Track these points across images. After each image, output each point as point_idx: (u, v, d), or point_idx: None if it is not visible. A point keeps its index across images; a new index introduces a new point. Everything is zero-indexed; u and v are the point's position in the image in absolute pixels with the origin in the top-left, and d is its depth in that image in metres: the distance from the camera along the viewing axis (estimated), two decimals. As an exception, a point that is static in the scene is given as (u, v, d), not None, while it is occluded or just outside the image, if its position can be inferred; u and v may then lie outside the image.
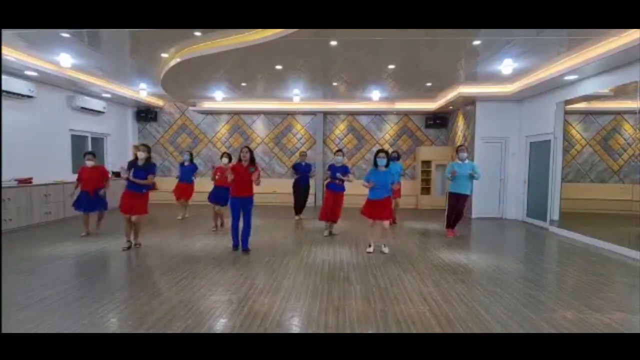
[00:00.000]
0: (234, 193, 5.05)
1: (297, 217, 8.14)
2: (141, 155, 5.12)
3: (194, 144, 11.17)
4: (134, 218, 5.10)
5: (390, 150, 8.12)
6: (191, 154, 8.07)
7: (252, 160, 5.04)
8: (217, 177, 6.38)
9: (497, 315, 3.09)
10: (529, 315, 3.10)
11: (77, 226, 7.01)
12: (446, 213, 6.49)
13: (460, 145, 6.41)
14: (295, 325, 2.92)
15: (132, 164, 5.13)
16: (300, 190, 8.08)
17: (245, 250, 5.09)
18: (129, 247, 5.22)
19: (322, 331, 2.79)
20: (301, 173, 7.90)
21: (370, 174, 5.26)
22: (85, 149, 9.18)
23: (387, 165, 5.20)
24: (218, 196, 6.45)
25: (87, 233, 6.14)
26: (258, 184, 4.99)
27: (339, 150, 6.56)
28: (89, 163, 6.17)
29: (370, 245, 5.25)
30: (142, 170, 5.07)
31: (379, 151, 5.28)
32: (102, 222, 6.41)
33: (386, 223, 5.18)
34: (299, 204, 8.18)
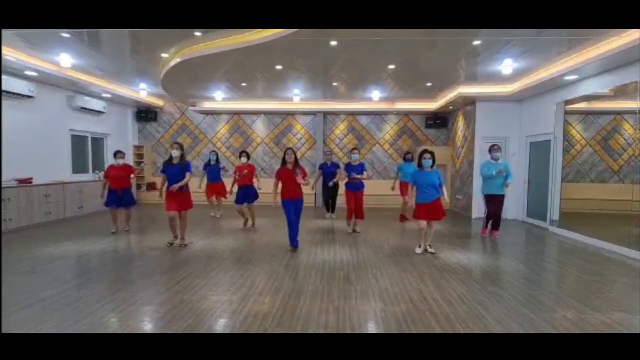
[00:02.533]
0: (285, 196, 5.13)
1: (327, 216, 8.42)
2: (175, 153, 5.21)
3: (194, 144, 11.17)
4: (182, 213, 5.29)
5: (406, 151, 8.32)
6: (217, 154, 8.16)
7: (296, 161, 5.16)
8: (237, 176, 6.64)
9: (497, 315, 3.09)
10: (529, 315, 3.10)
11: (78, 226, 7.03)
12: (485, 215, 6.48)
13: (494, 145, 6.22)
14: (295, 325, 2.92)
15: (167, 163, 5.25)
16: (330, 190, 8.20)
17: (295, 247, 5.29)
18: (171, 244, 5.40)
19: (322, 331, 2.79)
20: (327, 174, 7.97)
21: (415, 176, 5.15)
22: (85, 149, 9.22)
23: (432, 166, 5.05)
24: (245, 195, 6.65)
25: (116, 229, 6.31)
26: (307, 183, 5.15)
27: (354, 148, 6.64)
28: (120, 161, 6.33)
29: (420, 247, 5.22)
30: (178, 169, 5.19)
31: (423, 151, 5.11)
32: (130, 220, 6.60)
33: (435, 223, 5.20)
34: (331, 204, 8.45)
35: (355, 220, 6.59)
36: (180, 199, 5.21)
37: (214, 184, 7.91)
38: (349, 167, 6.43)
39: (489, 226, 6.36)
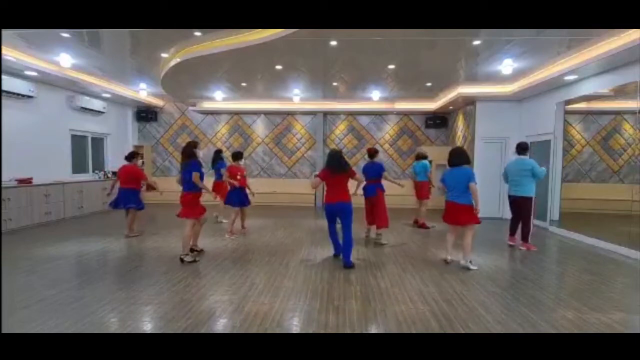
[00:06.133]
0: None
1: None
2: (200, 153, 4.81)
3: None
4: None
5: (420, 151, 7.76)
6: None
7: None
8: (238, 178, 6.13)
9: (497, 315, 3.09)
10: (529, 315, 3.10)
11: (78, 226, 7.03)
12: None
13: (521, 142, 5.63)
14: (295, 325, 2.91)
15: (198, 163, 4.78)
16: None
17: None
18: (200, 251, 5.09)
19: (322, 331, 2.79)
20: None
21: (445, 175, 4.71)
22: (86, 149, 9.22)
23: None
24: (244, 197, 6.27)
25: (127, 235, 6.05)
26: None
27: (373, 149, 6.07)
28: (135, 162, 6.27)
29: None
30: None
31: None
32: (135, 223, 6.20)
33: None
34: None
35: (370, 226, 6.01)
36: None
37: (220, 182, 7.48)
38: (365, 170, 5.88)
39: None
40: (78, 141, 8.90)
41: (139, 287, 3.72)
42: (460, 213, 4.43)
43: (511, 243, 5.70)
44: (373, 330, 2.86)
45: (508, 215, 8.36)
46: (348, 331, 2.80)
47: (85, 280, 3.93)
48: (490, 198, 8.33)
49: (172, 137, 11.22)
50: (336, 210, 4.60)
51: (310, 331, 2.80)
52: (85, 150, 9.22)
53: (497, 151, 8.54)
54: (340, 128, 11.09)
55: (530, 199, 5.36)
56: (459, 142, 9.68)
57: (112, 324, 2.91)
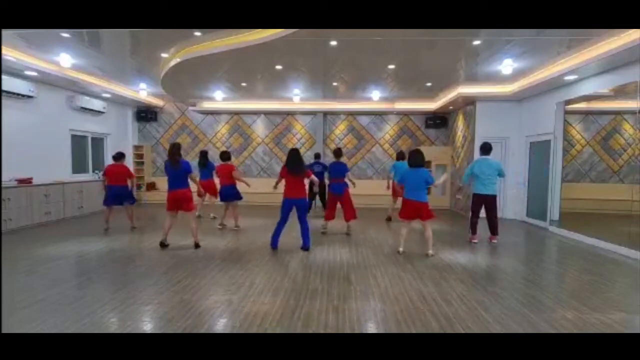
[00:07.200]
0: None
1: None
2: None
3: (193, 144, 11.17)
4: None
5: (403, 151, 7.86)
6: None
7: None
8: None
9: (497, 315, 3.09)
10: (529, 315, 3.10)
11: (78, 226, 7.03)
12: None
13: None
14: (295, 325, 2.92)
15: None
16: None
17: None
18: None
19: (322, 331, 2.79)
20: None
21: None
22: (86, 149, 9.23)
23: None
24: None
25: (106, 228, 6.44)
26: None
27: (338, 150, 6.64)
28: (123, 161, 6.63)
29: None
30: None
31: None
32: (134, 217, 6.68)
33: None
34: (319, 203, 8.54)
35: (345, 220, 6.43)
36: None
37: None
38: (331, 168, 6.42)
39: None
40: (78, 141, 8.90)
41: (139, 287, 3.71)
42: (419, 210, 4.93)
43: (475, 241, 5.88)
44: (373, 330, 2.86)
45: (508, 215, 8.44)
46: (348, 331, 2.80)
47: (85, 280, 3.94)
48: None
49: (172, 137, 11.21)
50: (295, 205, 5.12)
51: (310, 331, 2.80)
52: (85, 150, 9.22)
53: (497, 151, 8.52)
54: (340, 128, 11.09)
55: (496, 196, 5.90)
56: (459, 142, 9.68)
57: (112, 324, 2.90)
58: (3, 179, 6.40)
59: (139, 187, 10.62)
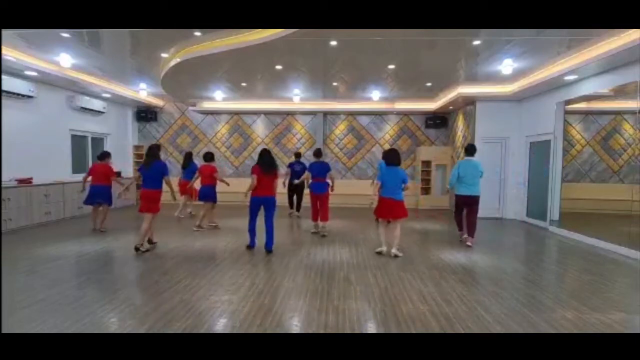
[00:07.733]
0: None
1: (293, 213, 8.61)
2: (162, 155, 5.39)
3: (193, 144, 11.17)
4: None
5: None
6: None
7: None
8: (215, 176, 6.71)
9: (497, 315, 3.09)
10: (529, 315, 3.10)
11: (78, 226, 7.03)
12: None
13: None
14: (295, 325, 2.92)
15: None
16: (295, 188, 8.40)
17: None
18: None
19: (322, 331, 2.79)
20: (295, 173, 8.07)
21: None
22: (86, 149, 9.23)
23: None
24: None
25: (93, 228, 6.48)
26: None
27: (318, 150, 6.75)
28: (108, 161, 6.69)
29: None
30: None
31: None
32: (106, 219, 6.56)
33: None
34: (296, 203, 8.56)
35: (321, 222, 6.37)
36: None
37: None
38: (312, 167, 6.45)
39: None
40: (78, 141, 8.90)
41: (139, 287, 3.72)
42: (395, 208, 4.95)
43: (465, 237, 5.82)
44: (373, 330, 2.86)
45: (508, 215, 8.45)
46: (348, 331, 2.80)
47: (85, 280, 3.94)
48: (490, 198, 8.35)
49: (172, 137, 11.22)
50: (264, 202, 5.08)
51: (310, 331, 2.80)
52: (85, 150, 9.22)
53: (497, 151, 8.55)
54: (340, 128, 11.09)
55: (479, 197, 5.75)
56: (459, 142, 9.68)
57: (112, 324, 2.91)
58: (3, 179, 6.40)
59: (138, 187, 10.58)
